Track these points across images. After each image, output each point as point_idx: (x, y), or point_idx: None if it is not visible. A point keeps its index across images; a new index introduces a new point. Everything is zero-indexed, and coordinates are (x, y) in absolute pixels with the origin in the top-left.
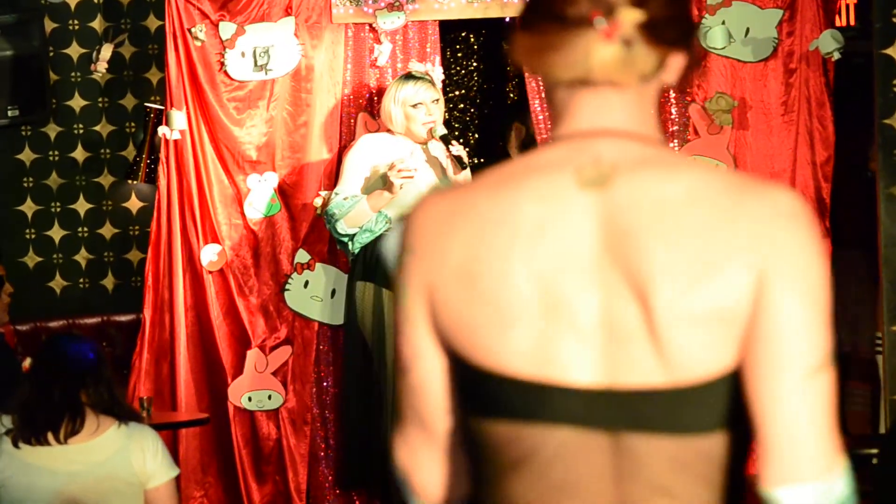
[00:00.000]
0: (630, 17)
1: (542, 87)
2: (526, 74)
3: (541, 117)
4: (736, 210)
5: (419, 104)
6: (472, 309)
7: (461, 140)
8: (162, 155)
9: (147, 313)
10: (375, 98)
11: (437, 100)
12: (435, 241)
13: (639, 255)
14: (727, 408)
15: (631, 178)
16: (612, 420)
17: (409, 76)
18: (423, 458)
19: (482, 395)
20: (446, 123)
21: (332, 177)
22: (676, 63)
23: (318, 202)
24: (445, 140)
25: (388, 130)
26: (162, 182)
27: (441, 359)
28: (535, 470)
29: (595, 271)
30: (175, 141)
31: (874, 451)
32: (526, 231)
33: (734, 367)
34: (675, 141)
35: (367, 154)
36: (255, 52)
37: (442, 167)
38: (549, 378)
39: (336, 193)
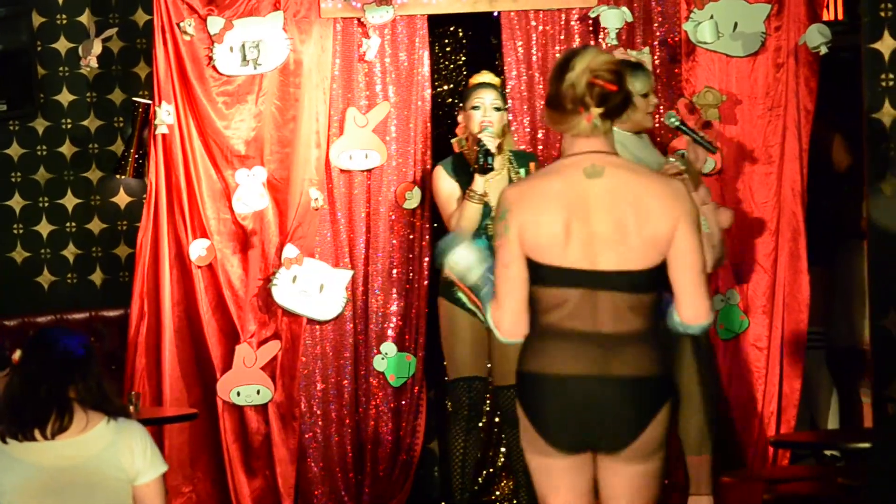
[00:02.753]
0: (595, 112)
1: (523, 90)
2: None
3: (519, 118)
4: (664, 189)
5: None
6: (537, 236)
7: (449, 135)
8: (151, 150)
9: (135, 308)
10: (364, 92)
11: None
12: (519, 203)
13: (618, 209)
14: (655, 282)
15: (612, 172)
16: (596, 286)
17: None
18: (507, 313)
19: (540, 276)
20: (435, 117)
21: (321, 171)
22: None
23: (315, 197)
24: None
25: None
26: (151, 177)
27: (522, 259)
28: (560, 309)
29: (591, 217)
30: (163, 136)
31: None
32: (558, 198)
33: (660, 263)
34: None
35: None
36: (243, 46)
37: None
38: (568, 266)
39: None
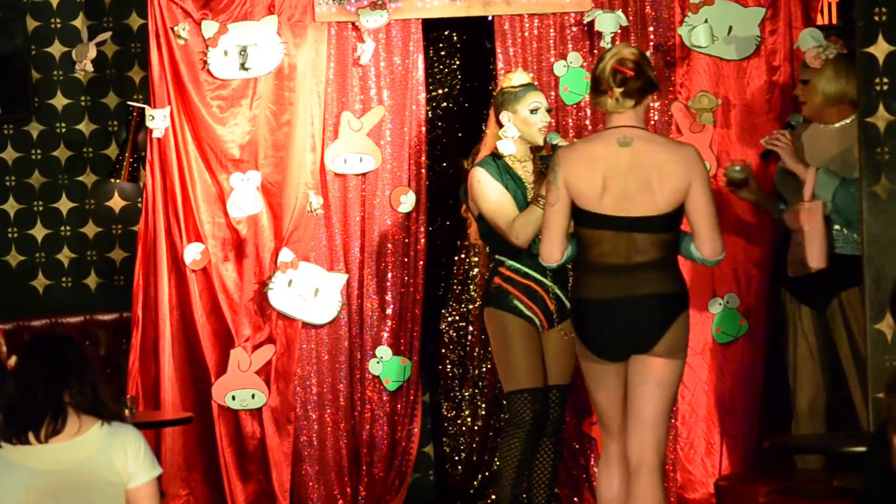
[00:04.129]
0: (617, 92)
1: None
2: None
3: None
4: (679, 155)
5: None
6: (580, 187)
7: (444, 139)
8: (147, 153)
9: (134, 312)
10: (359, 96)
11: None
12: (567, 160)
13: (643, 170)
14: (672, 224)
15: (640, 142)
16: (625, 228)
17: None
18: (552, 244)
19: (583, 219)
20: (429, 121)
21: (316, 175)
22: (646, 100)
23: (313, 201)
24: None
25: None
26: (147, 181)
27: (566, 202)
28: (598, 246)
29: (622, 176)
30: (158, 140)
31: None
32: (597, 160)
33: (675, 210)
34: None
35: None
36: (238, 50)
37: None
38: (604, 212)
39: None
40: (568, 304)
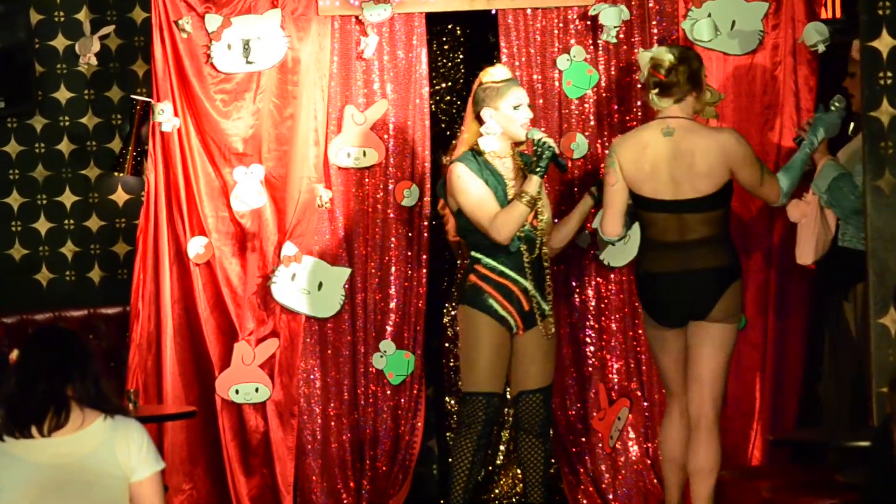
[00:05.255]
0: (652, 92)
1: (520, 83)
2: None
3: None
4: (718, 140)
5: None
6: (632, 172)
7: (448, 133)
8: (150, 147)
9: (136, 306)
10: (363, 90)
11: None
12: (621, 147)
13: (686, 157)
14: (720, 202)
15: (681, 132)
16: (677, 209)
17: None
18: (613, 220)
19: (640, 202)
20: (433, 115)
21: (319, 169)
22: (689, 96)
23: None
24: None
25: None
26: (150, 174)
27: (622, 182)
28: (654, 226)
29: (668, 161)
30: (162, 133)
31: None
32: (645, 147)
33: (721, 189)
34: None
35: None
36: (241, 44)
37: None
38: (657, 197)
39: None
40: (544, 306)
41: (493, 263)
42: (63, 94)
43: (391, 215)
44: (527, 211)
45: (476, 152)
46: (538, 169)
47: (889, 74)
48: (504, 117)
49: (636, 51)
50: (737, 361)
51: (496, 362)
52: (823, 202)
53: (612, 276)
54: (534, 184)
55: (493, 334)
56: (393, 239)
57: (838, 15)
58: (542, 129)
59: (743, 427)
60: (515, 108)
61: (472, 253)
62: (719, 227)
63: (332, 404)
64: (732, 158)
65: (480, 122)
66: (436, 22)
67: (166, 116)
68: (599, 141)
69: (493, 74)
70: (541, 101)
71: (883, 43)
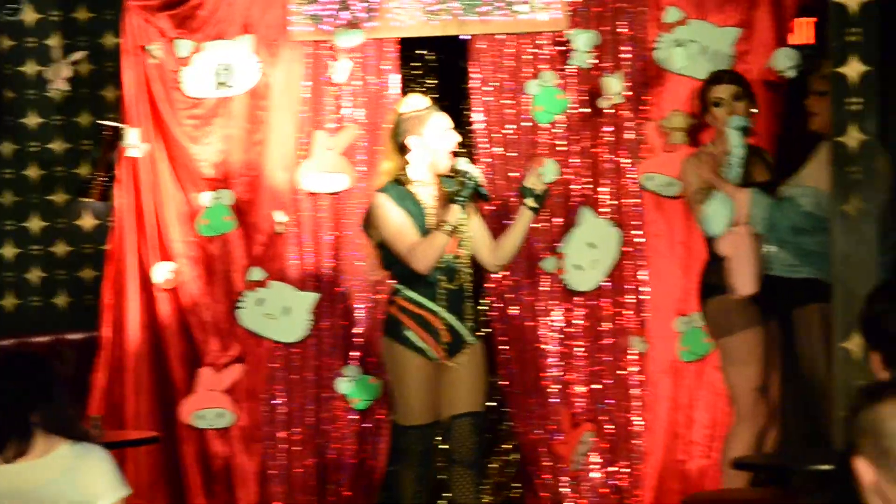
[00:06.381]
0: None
1: (491, 112)
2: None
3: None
4: None
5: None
6: None
7: None
8: (120, 172)
9: (104, 332)
10: (333, 115)
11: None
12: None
13: None
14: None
15: None
16: None
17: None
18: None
19: None
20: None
21: (288, 194)
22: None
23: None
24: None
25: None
26: (119, 199)
27: None
28: None
29: None
30: (131, 158)
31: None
32: None
33: None
34: (630, 157)
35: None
36: (213, 69)
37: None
38: None
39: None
40: (464, 335)
41: (412, 294)
42: (33, 120)
43: (359, 241)
44: (446, 240)
45: (399, 182)
46: (458, 199)
47: (855, 100)
48: (430, 143)
49: (605, 76)
50: (704, 384)
51: (423, 393)
52: (760, 229)
53: (577, 299)
54: (454, 213)
55: (415, 365)
56: (360, 264)
57: (812, 40)
58: (478, 163)
59: (706, 450)
60: (440, 134)
61: (394, 285)
62: None
63: (297, 429)
64: None
65: (403, 152)
66: (408, 48)
67: (135, 141)
68: (570, 166)
69: (411, 104)
70: (512, 126)
71: (851, 68)
